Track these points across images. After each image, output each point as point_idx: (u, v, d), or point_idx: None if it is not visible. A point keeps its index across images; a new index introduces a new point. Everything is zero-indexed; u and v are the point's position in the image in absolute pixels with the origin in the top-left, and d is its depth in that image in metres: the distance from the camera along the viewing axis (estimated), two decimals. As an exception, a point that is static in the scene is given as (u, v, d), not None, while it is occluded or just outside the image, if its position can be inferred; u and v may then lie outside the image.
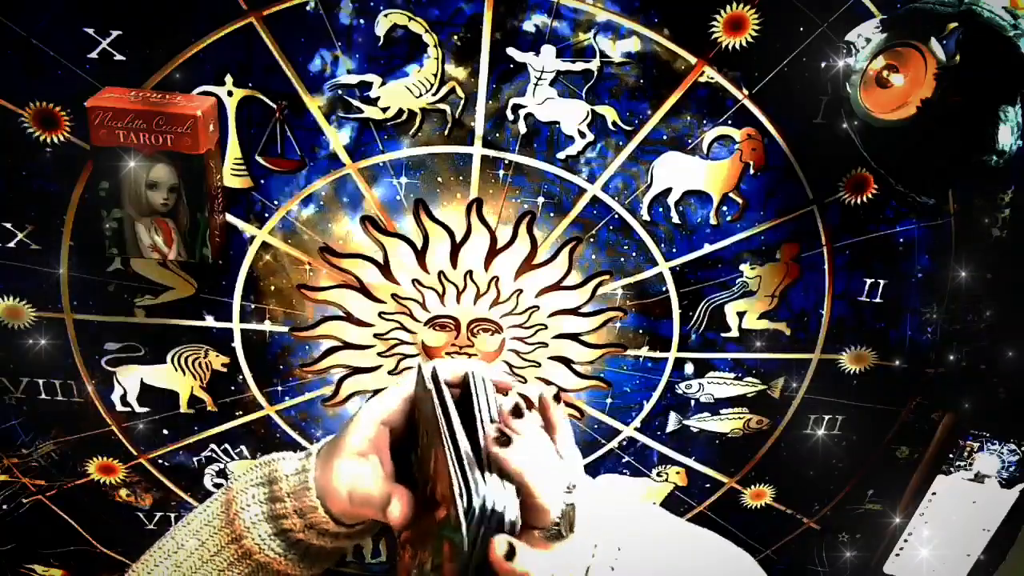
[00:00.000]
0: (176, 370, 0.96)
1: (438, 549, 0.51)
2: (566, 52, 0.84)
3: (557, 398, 0.55)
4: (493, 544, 0.47)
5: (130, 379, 0.95)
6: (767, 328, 1.00)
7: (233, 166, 0.86)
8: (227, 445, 1.01)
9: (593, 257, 0.95)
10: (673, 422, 1.06)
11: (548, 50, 0.83)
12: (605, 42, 0.83)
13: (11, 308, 0.90)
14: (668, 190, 0.91)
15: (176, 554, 0.58)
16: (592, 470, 1.08)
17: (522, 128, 0.87)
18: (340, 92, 0.84)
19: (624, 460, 1.08)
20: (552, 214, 0.92)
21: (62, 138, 0.81)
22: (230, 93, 0.82)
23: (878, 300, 0.99)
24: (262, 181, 0.87)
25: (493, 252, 0.93)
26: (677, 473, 1.10)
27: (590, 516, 0.52)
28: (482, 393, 0.54)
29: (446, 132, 0.87)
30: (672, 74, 0.85)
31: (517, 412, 0.51)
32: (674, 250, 0.95)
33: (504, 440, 0.49)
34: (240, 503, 0.57)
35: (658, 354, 1.01)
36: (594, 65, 0.84)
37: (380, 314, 0.95)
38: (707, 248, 0.95)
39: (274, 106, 0.83)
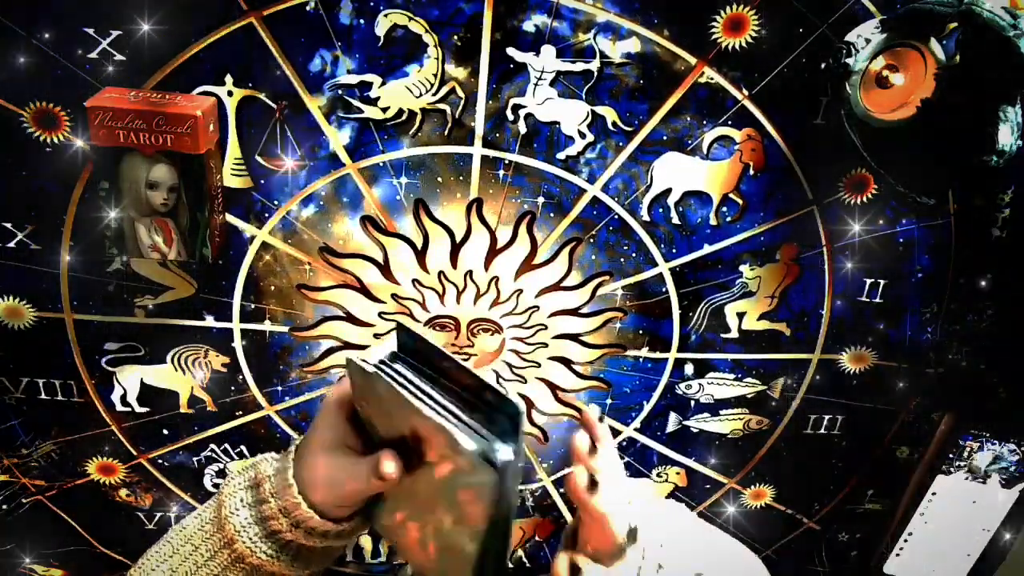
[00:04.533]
0: (176, 370, 0.96)
1: (452, 503, 0.53)
2: (566, 52, 0.84)
3: (601, 418, 0.57)
4: (556, 564, 0.48)
5: (130, 379, 0.95)
6: (767, 328, 1.00)
7: (233, 166, 0.86)
8: (227, 445, 1.01)
9: (593, 258, 0.95)
10: (673, 423, 1.06)
11: (548, 50, 0.83)
12: (605, 43, 0.83)
13: (11, 308, 0.90)
14: (668, 191, 0.91)
15: (172, 559, 0.59)
16: (592, 470, 1.08)
17: (522, 128, 0.87)
18: (340, 92, 0.84)
19: (624, 461, 1.08)
20: (552, 214, 0.92)
21: (62, 138, 0.81)
22: (230, 93, 0.82)
23: (878, 300, 0.99)
24: (262, 181, 0.87)
25: (493, 252, 0.93)
26: (677, 474, 1.10)
27: (642, 519, 0.53)
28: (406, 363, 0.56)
29: (446, 132, 0.87)
30: (672, 75, 0.85)
31: (593, 450, 0.52)
32: (674, 251, 0.95)
33: (593, 485, 0.50)
34: (229, 507, 0.57)
35: (658, 355, 1.01)
36: (594, 66, 0.84)
37: (380, 314, 0.95)
38: (707, 249, 0.95)
39: (274, 106, 0.83)
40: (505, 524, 0.51)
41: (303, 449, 0.58)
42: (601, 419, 0.57)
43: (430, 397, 0.52)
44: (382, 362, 0.55)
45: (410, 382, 0.53)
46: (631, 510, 0.51)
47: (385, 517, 0.60)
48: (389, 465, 0.53)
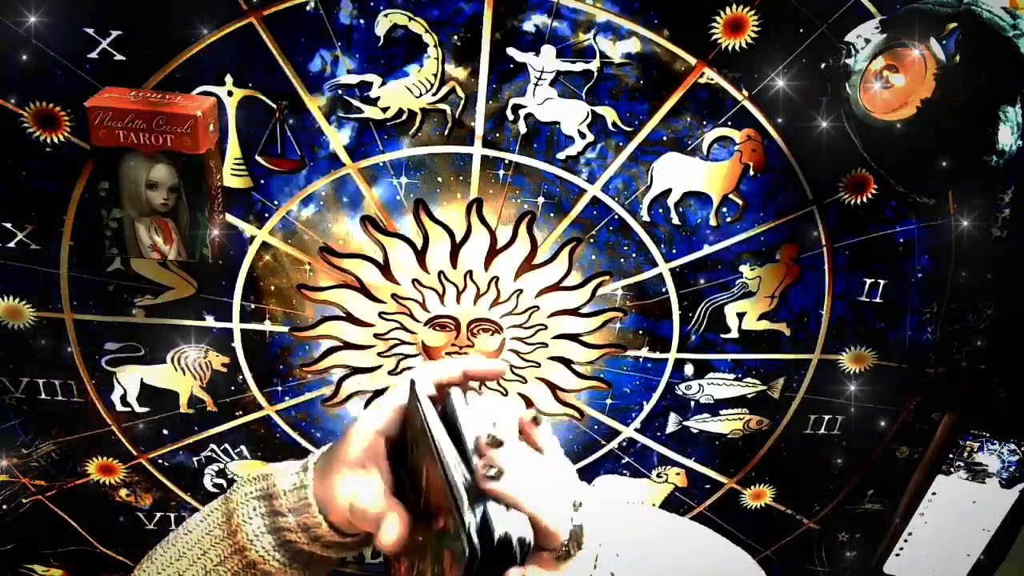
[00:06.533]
0: (176, 370, 0.96)
1: (438, 558, 0.51)
2: (566, 52, 0.84)
3: (536, 420, 0.54)
4: None
5: (130, 379, 0.95)
6: (767, 329, 1.00)
7: (233, 166, 0.86)
8: (227, 445, 1.01)
9: (593, 257, 0.95)
10: (673, 423, 1.06)
11: (548, 50, 0.83)
12: (605, 43, 0.83)
13: (11, 308, 0.90)
14: (668, 191, 0.91)
15: (179, 562, 0.58)
16: (592, 471, 1.08)
17: (522, 128, 0.87)
18: (340, 92, 0.84)
19: (624, 461, 1.08)
20: (552, 214, 0.92)
21: (62, 138, 0.81)
22: (230, 93, 0.82)
23: (878, 300, 0.99)
24: (262, 181, 0.87)
25: (493, 252, 0.93)
26: (677, 474, 1.10)
27: (589, 522, 0.51)
28: (460, 406, 0.54)
29: (446, 132, 0.87)
30: (672, 75, 0.85)
31: (496, 443, 0.50)
32: (674, 251, 0.95)
33: (495, 475, 0.48)
34: (241, 515, 0.57)
35: (658, 355, 1.01)
36: (594, 66, 0.84)
37: (380, 314, 0.95)
38: (707, 249, 0.95)
39: (274, 106, 0.83)
40: None
41: (326, 467, 0.56)
42: (537, 421, 0.55)
43: (446, 447, 0.51)
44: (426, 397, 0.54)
45: (431, 430, 0.52)
46: (579, 514, 0.50)
47: None
48: (388, 530, 0.52)
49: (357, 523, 0.54)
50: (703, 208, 0.93)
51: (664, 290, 0.97)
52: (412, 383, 0.55)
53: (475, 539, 0.46)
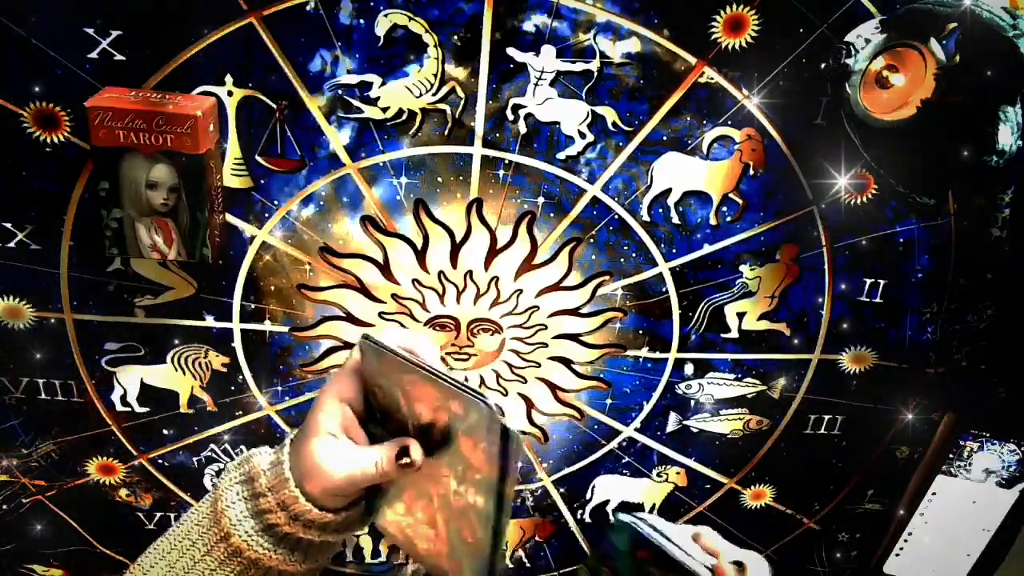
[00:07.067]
0: (176, 370, 0.96)
1: (456, 457, 0.53)
2: (566, 52, 0.84)
3: (741, 567, 0.56)
4: None
5: (130, 379, 0.95)
6: (767, 329, 1.00)
7: (233, 166, 0.86)
8: (227, 445, 1.01)
9: (593, 257, 0.95)
10: (673, 423, 1.06)
11: (548, 50, 0.83)
12: (605, 43, 0.83)
13: (11, 308, 0.90)
14: (668, 191, 0.91)
15: (170, 554, 0.59)
16: (592, 471, 1.08)
17: (522, 128, 0.87)
18: (340, 92, 0.84)
19: (624, 460, 1.08)
20: (552, 214, 0.92)
21: (62, 138, 0.81)
22: (230, 93, 0.82)
23: (878, 300, 0.99)
24: (262, 181, 0.87)
25: (493, 252, 0.93)
26: (677, 473, 1.10)
27: None
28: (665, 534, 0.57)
29: (446, 132, 0.87)
30: (672, 75, 0.85)
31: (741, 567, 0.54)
32: (674, 251, 0.95)
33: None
34: (225, 501, 0.57)
35: (658, 355, 1.01)
36: (594, 66, 0.84)
37: (380, 314, 0.95)
38: (707, 249, 0.95)
39: (274, 106, 0.83)
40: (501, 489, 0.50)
41: (299, 440, 0.58)
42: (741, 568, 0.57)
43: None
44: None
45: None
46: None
47: (389, 512, 0.60)
48: (416, 451, 0.54)
49: (344, 475, 0.55)
50: (703, 208, 0.93)
51: (664, 290, 0.97)
52: (365, 337, 0.56)
53: (491, 401, 0.48)
